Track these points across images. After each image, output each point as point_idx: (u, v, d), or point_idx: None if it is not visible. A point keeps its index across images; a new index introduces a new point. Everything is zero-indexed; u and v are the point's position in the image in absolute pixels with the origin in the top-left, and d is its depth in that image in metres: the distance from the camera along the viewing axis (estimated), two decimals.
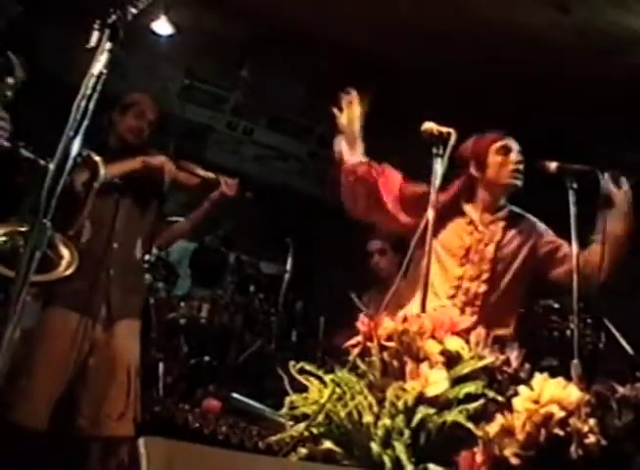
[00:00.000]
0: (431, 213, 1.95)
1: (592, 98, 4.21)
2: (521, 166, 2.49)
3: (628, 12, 3.76)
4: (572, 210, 2.22)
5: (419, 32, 4.19)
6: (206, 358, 4.23)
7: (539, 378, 1.34)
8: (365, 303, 3.87)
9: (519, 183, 2.50)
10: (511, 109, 3.58)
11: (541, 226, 2.58)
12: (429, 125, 2.04)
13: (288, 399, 1.29)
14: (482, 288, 2.41)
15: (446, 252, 2.47)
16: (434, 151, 2.00)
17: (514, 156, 2.51)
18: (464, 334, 1.30)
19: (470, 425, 1.16)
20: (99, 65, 1.43)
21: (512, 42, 4.09)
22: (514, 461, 1.20)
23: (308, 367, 1.30)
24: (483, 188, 2.54)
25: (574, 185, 2.26)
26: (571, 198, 2.24)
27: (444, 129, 2.03)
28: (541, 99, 4.31)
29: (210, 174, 2.87)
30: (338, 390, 1.25)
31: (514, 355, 1.37)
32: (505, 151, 2.52)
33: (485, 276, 2.42)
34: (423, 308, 1.81)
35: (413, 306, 2.20)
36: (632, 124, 4.17)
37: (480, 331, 1.32)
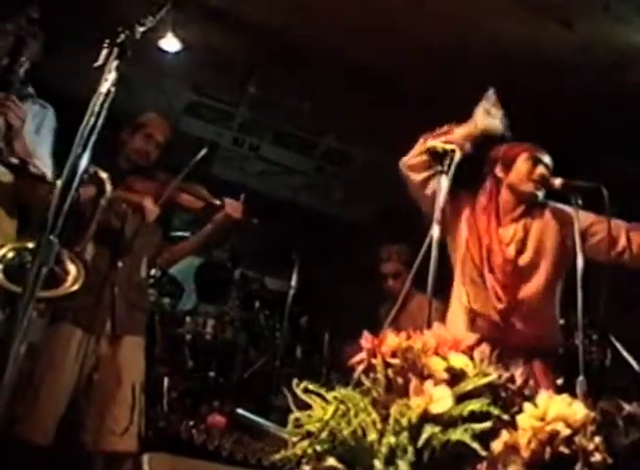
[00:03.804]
0: (436, 230, 1.96)
1: (595, 113, 4.22)
2: (543, 180, 2.51)
3: (632, 28, 3.78)
4: (577, 225, 2.22)
5: (421, 47, 4.22)
6: (211, 374, 4.23)
7: (544, 395, 1.34)
8: (382, 316, 3.86)
9: (539, 194, 2.53)
10: (512, 124, 3.59)
11: (568, 211, 2.51)
12: (434, 142, 2.06)
13: (292, 417, 1.29)
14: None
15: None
16: (439, 168, 2.01)
17: (541, 168, 2.54)
18: (468, 351, 1.30)
19: (475, 445, 1.15)
20: (107, 83, 1.45)
21: (515, 57, 4.11)
22: None
23: (311, 387, 1.30)
24: (506, 189, 2.58)
25: (579, 201, 2.27)
26: (576, 214, 2.24)
27: (449, 146, 2.04)
28: (543, 114, 4.32)
29: (215, 200, 2.83)
30: (342, 407, 1.25)
31: (518, 372, 1.37)
32: (534, 161, 2.55)
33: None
34: (428, 324, 1.81)
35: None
36: (635, 140, 4.18)
37: (485, 348, 1.32)
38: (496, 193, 2.60)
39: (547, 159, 2.58)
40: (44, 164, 2.30)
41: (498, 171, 2.60)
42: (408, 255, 3.75)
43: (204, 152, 2.74)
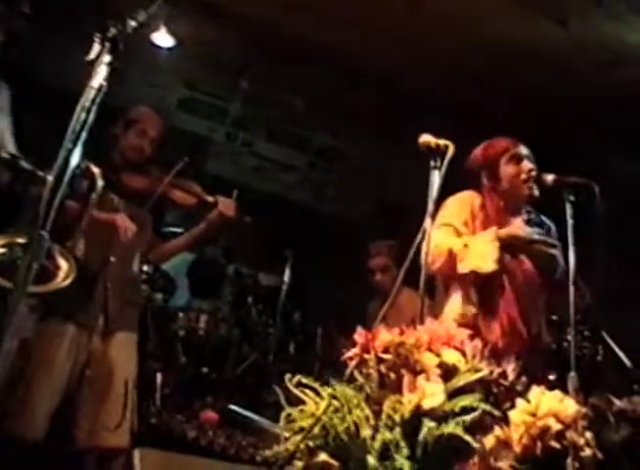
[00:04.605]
0: (428, 223, 1.96)
1: (591, 111, 4.23)
2: (533, 174, 2.49)
3: (626, 26, 3.78)
4: (570, 222, 2.23)
5: (418, 45, 4.21)
6: (204, 370, 4.22)
7: (536, 391, 1.35)
8: (370, 311, 3.86)
9: (536, 192, 2.51)
10: (510, 121, 3.58)
11: (555, 235, 2.58)
12: (426, 138, 2.05)
13: (284, 413, 1.29)
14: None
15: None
16: (432, 163, 2.01)
17: (526, 164, 2.52)
18: (460, 347, 1.31)
19: (467, 437, 1.16)
20: (99, 77, 1.44)
21: (511, 56, 4.11)
22: None
23: (305, 380, 1.30)
24: (501, 197, 2.54)
25: (571, 197, 2.27)
26: (569, 210, 2.25)
27: (442, 142, 2.04)
28: (540, 112, 4.33)
29: (209, 197, 2.80)
30: (335, 402, 1.25)
31: (510, 368, 1.37)
32: (516, 160, 2.53)
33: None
34: (421, 320, 1.81)
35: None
36: (631, 137, 4.20)
37: (477, 343, 1.32)
38: (491, 202, 2.55)
39: (526, 150, 2.55)
40: (6, 140, 2.28)
41: (486, 182, 2.57)
42: (397, 250, 3.75)
43: (184, 163, 2.71)
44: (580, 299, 2.39)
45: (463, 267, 2.34)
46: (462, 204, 2.54)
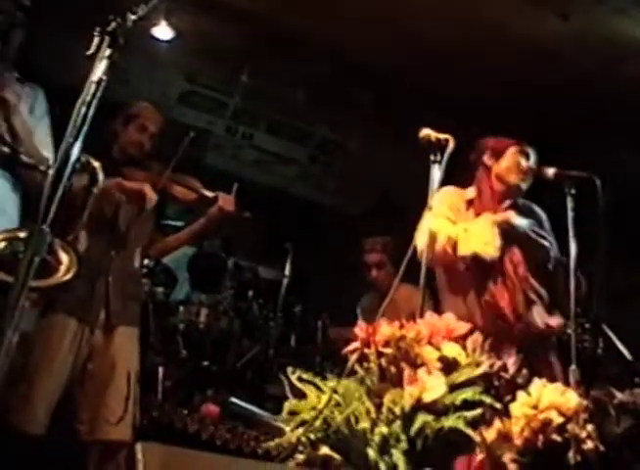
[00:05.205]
0: (428, 219, 1.96)
1: (594, 106, 4.22)
2: (529, 173, 2.59)
3: (629, 20, 3.76)
4: (570, 215, 2.24)
5: (419, 39, 4.20)
6: (205, 363, 4.23)
7: (538, 384, 1.35)
8: (363, 307, 3.88)
9: (523, 185, 2.61)
10: (511, 116, 3.58)
11: (547, 224, 2.66)
12: (427, 132, 2.06)
13: (286, 406, 1.29)
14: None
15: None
16: (432, 157, 2.01)
17: (529, 163, 2.62)
18: (461, 340, 1.31)
19: (468, 431, 1.16)
20: (99, 71, 1.43)
21: (512, 50, 4.10)
22: (511, 467, 1.21)
23: (305, 376, 1.30)
24: (495, 178, 2.64)
25: (572, 191, 2.28)
26: (569, 203, 2.26)
27: (442, 136, 2.04)
28: (542, 107, 4.32)
29: (208, 192, 2.80)
30: (336, 396, 1.25)
31: (511, 361, 1.37)
32: (525, 155, 2.64)
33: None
34: (421, 314, 1.81)
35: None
36: (633, 133, 4.19)
37: (477, 337, 1.32)
38: (487, 181, 2.66)
39: (535, 157, 2.66)
40: (45, 145, 2.28)
41: (487, 159, 2.67)
42: (392, 246, 3.76)
43: (190, 137, 2.72)
44: (576, 288, 2.41)
45: (465, 250, 2.37)
46: (443, 196, 2.61)
